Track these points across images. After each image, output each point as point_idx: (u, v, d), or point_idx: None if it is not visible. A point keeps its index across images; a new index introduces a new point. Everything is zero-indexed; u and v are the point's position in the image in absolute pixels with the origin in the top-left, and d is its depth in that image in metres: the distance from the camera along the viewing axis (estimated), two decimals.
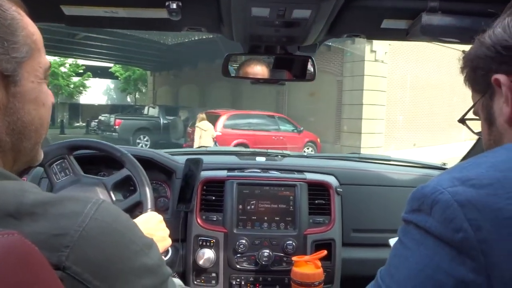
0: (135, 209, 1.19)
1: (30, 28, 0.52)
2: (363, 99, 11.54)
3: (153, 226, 0.96)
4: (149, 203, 1.17)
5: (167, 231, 1.00)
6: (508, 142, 0.57)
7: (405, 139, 12.55)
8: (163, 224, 1.00)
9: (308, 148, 10.91)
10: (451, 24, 0.94)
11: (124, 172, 1.23)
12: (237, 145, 9.47)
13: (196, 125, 8.70)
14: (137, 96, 24.99)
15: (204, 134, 8.45)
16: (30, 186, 0.47)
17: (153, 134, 13.08)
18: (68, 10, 0.96)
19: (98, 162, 1.42)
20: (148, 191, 1.19)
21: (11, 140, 0.51)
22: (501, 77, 0.56)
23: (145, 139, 12.93)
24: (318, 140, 11.31)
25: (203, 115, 8.79)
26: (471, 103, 0.66)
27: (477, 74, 0.61)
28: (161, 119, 13.45)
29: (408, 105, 12.74)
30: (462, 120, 0.70)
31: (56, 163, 1.25)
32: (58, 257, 0.42)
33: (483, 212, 0.46)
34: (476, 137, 0.82)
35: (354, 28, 1.11)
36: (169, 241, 0.98)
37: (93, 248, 0.45)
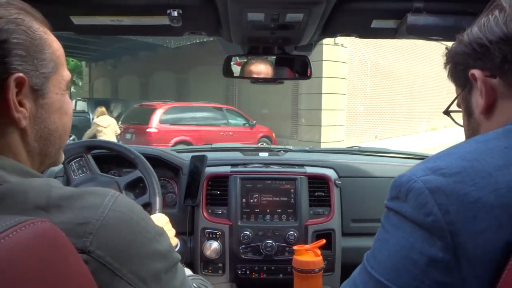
0: (144, 209, 1.27)
1: (55, 45, 0.59)
2: (322, 88, 10.22)
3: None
4: (158, 205, 1.25)
5: (173, 231, 1.07)
6: (484, 132, 0.62)
7: (366, 131, 11.71)
8: (170, 225, 1.08)
9: (262, 144, 8.63)
10: (435, 23, 0.99)
11: (136, 174, 1.32)
12: (177, 143, 7.99)
13: (94, 121, 7.42)
14: (72, 89, 22.25)
15: (105, 131, 7.19)
16: (55, 182, 0.53)
17: (82, 132, 9.44)
18: (77, 20, 1.03)
19: (109, 161, 1.50)
20: (157, 194, 1.27)
21: (38, 146, 0.58)
22: (476, 72, 0.61)
23: (71, 138, 8.52)
24: (273, 134, 9.95)
25: (102, 109, 7.48)
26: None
27: (457, 69, 0.67)
28: (91, 115, 10.94)
29: (369, 94, 11.78)
30: (447, 112, 0.74)
31: (74, 161, 1.34)
32: (83, 243, 0.48)
33: (450, 197, 0.51)
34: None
35: (345, 29, 1.17)
36: (175, 240, 1.05)
37: (112, 235, 0.50)
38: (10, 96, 0.52)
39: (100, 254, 0.49)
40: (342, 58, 10.57)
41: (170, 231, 1.05)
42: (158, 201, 1.26)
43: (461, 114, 0.72)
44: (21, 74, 0.53)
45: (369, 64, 11.87)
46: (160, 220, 1.07)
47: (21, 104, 0.54)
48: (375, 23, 1.09)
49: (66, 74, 0.62)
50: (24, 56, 0.54)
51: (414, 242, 0.53)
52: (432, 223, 0.51)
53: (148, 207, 1.27)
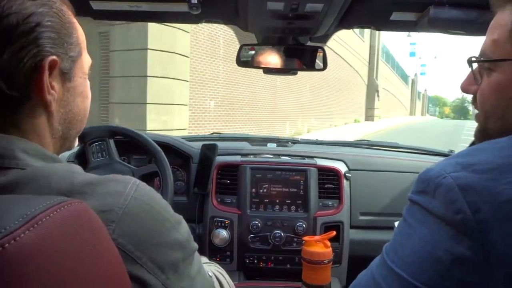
0: None
1: (79, 29, 0.60)
2: (148, 67, 6.43)
3: None
4: (169, 200, 1.27)
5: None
6: None
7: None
8: None
9: None
10: (458, 16, 0.98)
11: (153, 167, 1.34)
12: None
13: None
14: None
15: None
16: (77, 168, 0.53)
17: None
18: (96, 5, 1.02)
19: (126, 148, 1.50)
20: (169, 189, 1.29)
21: (62, 129, 0.59)
22: None
23: None
24: None
25: None
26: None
27: None
28: None
29: (222, 85, 8.57)
30: (482, 61, 0.62)
31: (96, 143, 1.34)
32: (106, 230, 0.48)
33: (482, 196, 0.49)
34: None
35: (364, 20, 1.16)
36: None
37: (134, 223, 0.51)
38: (45, 78, 0.52)
39: (122, 242, 0.49)
40: (181, 25, 6.44)
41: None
42: (169, 196, 1.29)
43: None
44: (54, 57, 0.53)
45: (222, 42, 8.45)
46: None
47: (51, 87, 0.54)
48: (395, 15, 1.08)
49: (88, 59, 0.63)
50: (55, 39, 0.54)
51: (440, 239, 0.52)
52: (461, 221, 0.50)
53: None
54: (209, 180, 1.49)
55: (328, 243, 1.25)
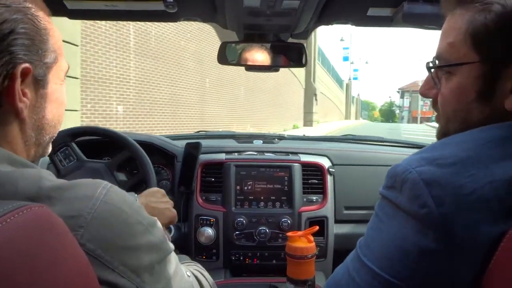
0: (140, 187, 1.28)
1: (56, 35, 0.59)
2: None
3: (157, 199, 1.04)
4: (152, 179, 1.27)
5: (171, 203, 1.07)
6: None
7: None
8: (166, 197, 1.08)
9: None
10: (431, 11, 0.99)
11: (125, 154, 1.33)
12: None
13: None
14: None
15: None
16: (46, 173, 0.53)
17: None
18: (71, 5, 1.02)
19: (101, 148, 1.50)
20: (149, 169, 1.29)
21: (35, 135, 0.58)
22: None
23: None
24: None
25: None
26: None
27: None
28: None
29: (134, 84, 6.74)
30: (434, 68, 0.64)
31: (60, 151, 1.34)
32: (74, 236, 0.47)
33: (446, 189, 0.51)
34: None
35: (341, 16, 1.16)
36: (173, 212, 1.05)
37: (104, 228, 0.50)
38: (17, 86, 0.52)
39: (91, 247, 0.49)
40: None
41: (167, 203, 1.06)
42: (151, 176, 1.28)
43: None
44: (27, 65, 0.53)
45: (133, 32, 6.73)
46: (157, 193, 1.07)
47: (23, 94, 0.54)
48: (371, 11, 1.09)
49: (65, 65, 0.62)
50: (29, 46, 0.53)
51: (408, 232, 0.53)
52: (426, 215, 0.51)
53: (143, 184, 1.29)
54: (194, 178, 1.49)
55: (311, 238, 1.26)
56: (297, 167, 1.51)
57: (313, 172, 1.54)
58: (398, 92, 66.99)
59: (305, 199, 1.50)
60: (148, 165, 1.29)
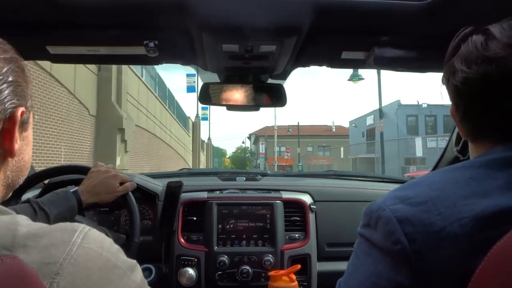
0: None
1: (30, 83, 0.62)
2: None
3: (93, 178, 1.16)
4: (135, 236, 1.29)
5: (122, 176, 1.18)
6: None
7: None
8: (111, 172, 1.16)
9: None
10: (400, 55, 1.05)
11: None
12: None
13: None
14: None
15: None
16: (22, 219, 0.51)
17: None
18: (53, 50, 1.04)
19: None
20: (135, 220, 1.31)
21: (12, 176, 0.59)
22: None
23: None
24: None
25: None
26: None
27: None
28: None
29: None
30: None
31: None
32: (50, 284, 0.46)
33: (417, 226, 0.53)
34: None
35: (317, 59, 1.22)
36: (112, 173, 1.17)
37: (81, 273, 0.49)
38: (16, 129, 0.55)
39: None
40: None
41: (105, 172, 1.17)
42: (135, 234, 1.29)
43: None
44: (23, 108, 0.56)
45: None
46: (91, 174, 1.19)
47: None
48: (345, 54, 1.14)
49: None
50: (20, 92, 0.57)
51: (382, 269, 0.55)
52: (399, 251, 0.53)
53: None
54: (175, 218, 1.48)
55: (294, 277, 1.26)
56: (279, 205, 1.52)
57: (295, 209, 1.55)
58: (248, 138, 55.50)
59: (287, 237, 1.50)
60: (135, 217, 1.31)
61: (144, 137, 14.04)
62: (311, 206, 1.55)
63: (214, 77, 1.42)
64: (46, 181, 1.47)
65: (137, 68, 13.16)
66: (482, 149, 0.63)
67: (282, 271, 1.24)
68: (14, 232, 0.48)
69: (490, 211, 0.51)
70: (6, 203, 0.61)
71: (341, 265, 1.54)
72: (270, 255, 1.45)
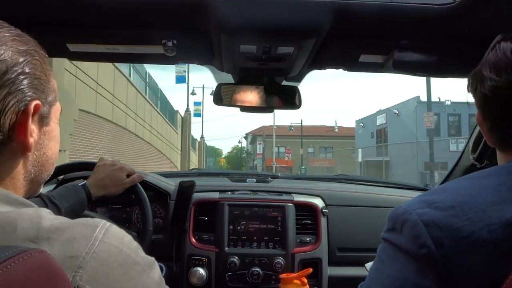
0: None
1: (53, 77, 0.63)
2: None
3: (101, 172, 1.19)
4: (147, 235, 1.31)
5: (127, 169, 1.19)
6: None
7: None
8: (108, 163, 1.19)
9: None
10: (420, 60, 1.04)
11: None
12: None
13: None
14: None
15: None
16: (45, 213, 0.53)
17: None
18: (73, 47, 1.05)
19: None
20: (148, 218, 1.33)
21: (34, 172, 0.60)
22: None
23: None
24: None
25: None
26: None
27: None
28: None
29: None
30: None
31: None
32: (73, 277, 0.47)
33: (444, 231, 0.53)
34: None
35: (334, 62, 1.21)
36: (118, 166, 1.16)
37: (103, 268, 0.50)
38: (29, 122, 0.55)
39: None
40: None
41: (112, 165, 1.20)
42: (147, 233, 1.31)
43: None
44: (38, 102, 0.56)
45: None
46: (98, 168, 1.22)
47: (32, 130, 0.56)
48: (363, 58, 1.13)
49: (59, 106, 0.65)
50: (37, 85, 0.57)
51: (408, 273, 0.54)
52: (426, 255, 0.53)
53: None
54: (187, 217, 1.48)
55: (305, 281, 1.25)
56: (290, 207, 1.51)
57: (307, 213, 1.54)
58: (245, 137, 50.30)
59: (298, 240, 1.49)
60: (148, 215, 1.32)
61: (107, 131, 10.59)
62: (323, 210, 1.54)
63: (227, 78, 1.43)
64: (60, 177, 1.47)
65: None
66: (511, 157, 0.62)
67: (293, 274, 1.23)
68: (38, 226, 0.49)
69: None
70: None
71: (352, 271, 1.53)
72: (281, 258, 1.44)
